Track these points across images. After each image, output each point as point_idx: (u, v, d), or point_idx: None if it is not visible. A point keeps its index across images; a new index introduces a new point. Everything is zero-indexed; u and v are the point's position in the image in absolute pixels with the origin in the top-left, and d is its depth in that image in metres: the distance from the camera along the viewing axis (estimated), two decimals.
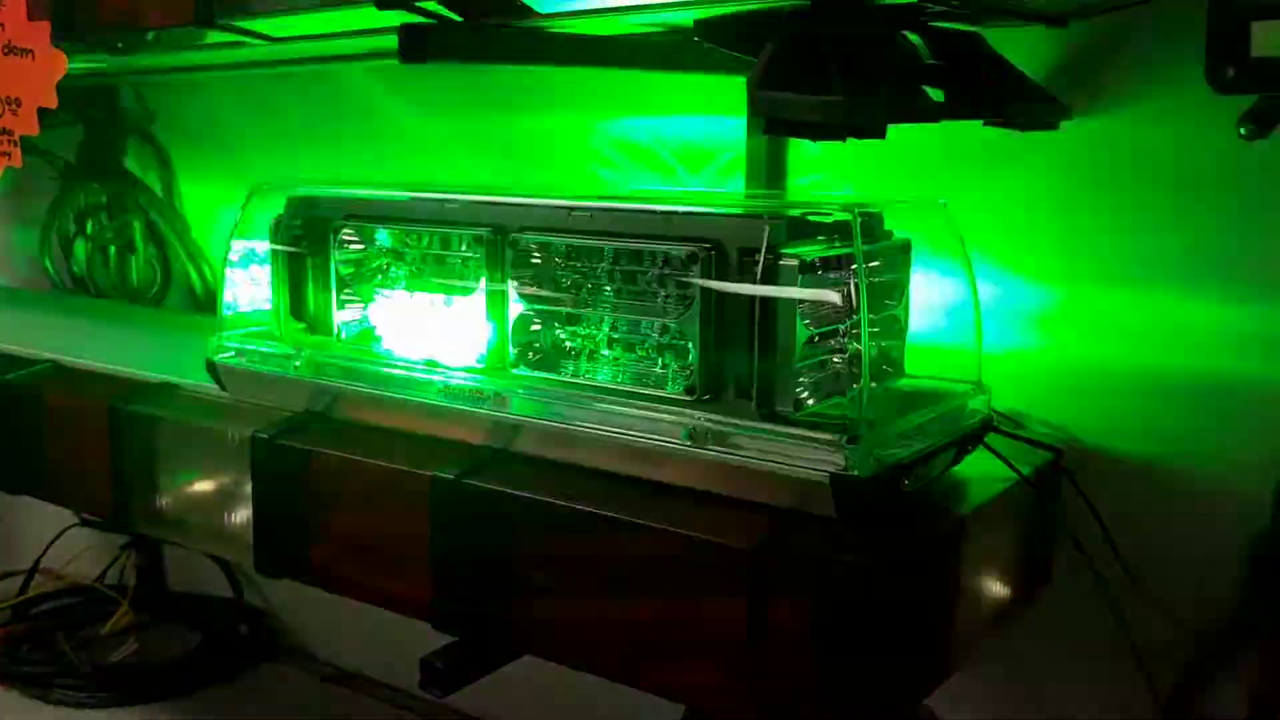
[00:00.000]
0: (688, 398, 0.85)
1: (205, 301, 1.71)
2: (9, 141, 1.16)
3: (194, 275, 1.74)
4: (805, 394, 0.85)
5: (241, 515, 1.09)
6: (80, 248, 1.85)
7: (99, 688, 1.63)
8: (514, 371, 0.95)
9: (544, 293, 0.93)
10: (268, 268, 1.10)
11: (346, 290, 1.06)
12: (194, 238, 1.75)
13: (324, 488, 1.01)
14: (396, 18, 0.88)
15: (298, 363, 1.06)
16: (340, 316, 1.06)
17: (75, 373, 1.29)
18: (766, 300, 0.82)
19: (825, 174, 1.14)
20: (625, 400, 0.88)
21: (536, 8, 0.86)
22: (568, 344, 0.94)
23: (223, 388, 1.12)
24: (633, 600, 0.84)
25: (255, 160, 1.65)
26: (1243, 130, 0.92)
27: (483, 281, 0.96)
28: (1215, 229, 1.00)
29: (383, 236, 1.04)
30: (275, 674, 1.72)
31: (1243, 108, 0.91)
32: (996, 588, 0.95)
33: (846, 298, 0.83)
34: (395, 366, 1.01)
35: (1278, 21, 0.83)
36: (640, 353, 0.90)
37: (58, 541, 1.82)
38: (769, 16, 0.79)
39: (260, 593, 1.81)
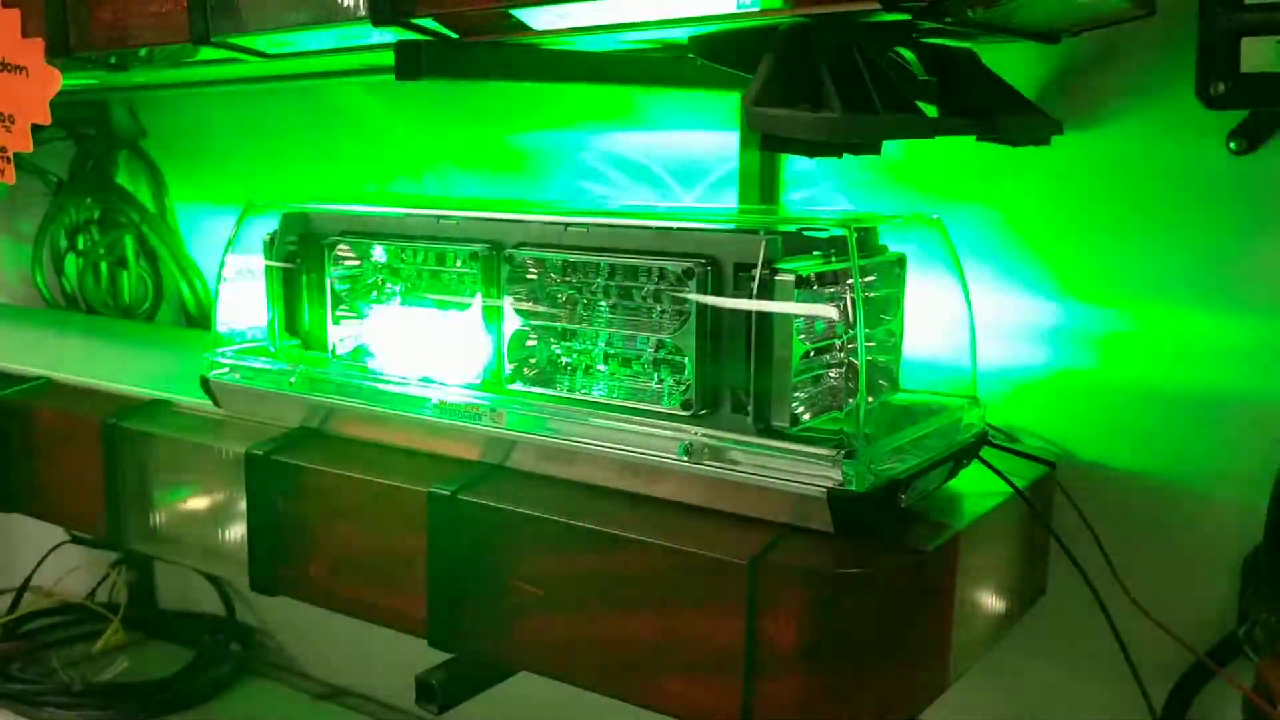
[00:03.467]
0: (684, 413, 0.85)
1: (198, 317, 1.71)
2: (2, 158, 1.16)
3: (186, 291, 1.73)
4: (802, 409, 0.85)
5: (236, 532, 1.08)
6: (72, 263, 1.84)
7: (90, 706, 1.62)
8: (509, 387, 0.95)
9: (539, 308, 0.93)
10: (262, 283, 1.10)
11: (342, 306, 1.05)
12: (186, 253, 1.75)
13: (319, 504, 1.00)
14: (392, 34, 0.88)
15: (292, 379, 1.06)
16: (336, 333, 1.06)
17: (67, 389, 1.28)
18: (763, 315, 0.82)
19: (818, 188, 1.15)
20: (621, 416, 0.88)
21: (531, 24, 0.86)
22: (564, 359, 0.94)
23: (217, 404, 1.12)
24: (629, 616, 0.84)
25: (248, 175, 1.65)
26: (1233, 145, 0.93)
27: (478, 297, 0.96)
28: (1207, 243, 1.01)
29: (378, 252, 1.04)
30: (268, 692, 1.71)
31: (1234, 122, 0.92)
32: (992, 601, 0.95)
33: (843, 312, 0.84)
34: (390, 382, 1.01)
35: (1267, 38, 0.84)
36: (636, 368, 0.91)
37: (48, 559, 1.81)
38: (764, 33, 0.80)
39: (252, 610, 1.80)
